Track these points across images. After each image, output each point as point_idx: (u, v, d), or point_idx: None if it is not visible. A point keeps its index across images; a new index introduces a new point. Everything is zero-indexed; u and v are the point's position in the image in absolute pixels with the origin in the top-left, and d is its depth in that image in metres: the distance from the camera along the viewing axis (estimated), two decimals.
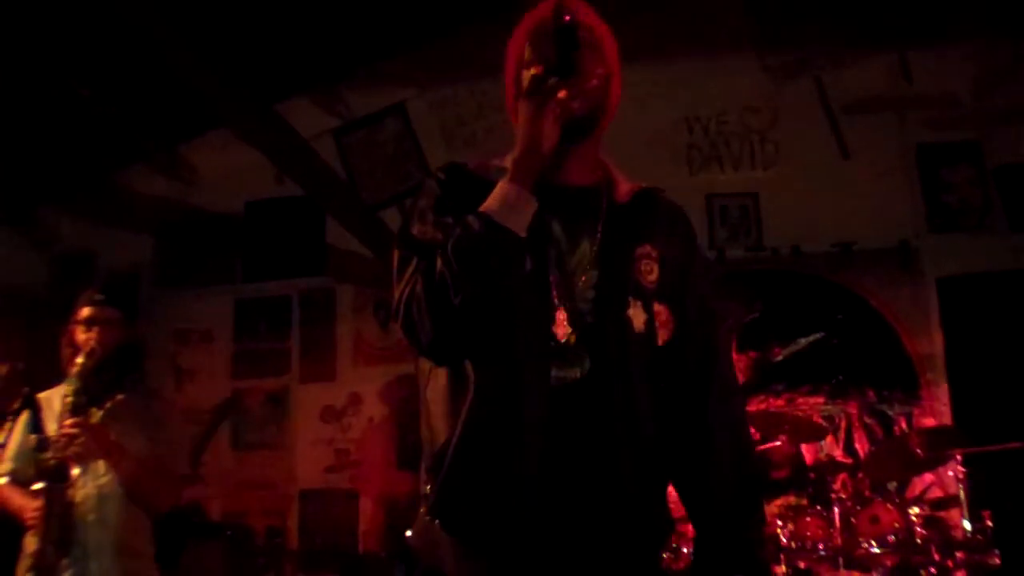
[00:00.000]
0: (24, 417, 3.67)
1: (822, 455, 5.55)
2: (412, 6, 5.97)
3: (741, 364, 6.23)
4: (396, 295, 1.94)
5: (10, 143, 6.04)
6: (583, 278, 1.99)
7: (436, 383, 1.99)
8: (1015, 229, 6.15)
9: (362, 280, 6.77)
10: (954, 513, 5.05)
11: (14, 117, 5.82)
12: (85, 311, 3.68)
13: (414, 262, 1.93)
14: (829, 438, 5.89)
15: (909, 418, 6.00)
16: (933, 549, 4.67)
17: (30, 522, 3.37)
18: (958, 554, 4.69)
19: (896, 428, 5.97)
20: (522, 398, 1.88)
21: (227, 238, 7.03)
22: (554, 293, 1.95)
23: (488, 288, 1.83)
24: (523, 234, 1.85)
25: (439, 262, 1.85)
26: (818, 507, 5.02)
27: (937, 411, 5.96)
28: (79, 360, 3.53)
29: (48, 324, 4.20)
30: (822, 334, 6.20)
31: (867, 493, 5.15)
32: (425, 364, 2.02)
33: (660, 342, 2.04)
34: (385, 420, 6.64)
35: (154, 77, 5.61)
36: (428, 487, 1.95)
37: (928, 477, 5.67)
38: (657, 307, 2.03)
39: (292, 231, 6.90)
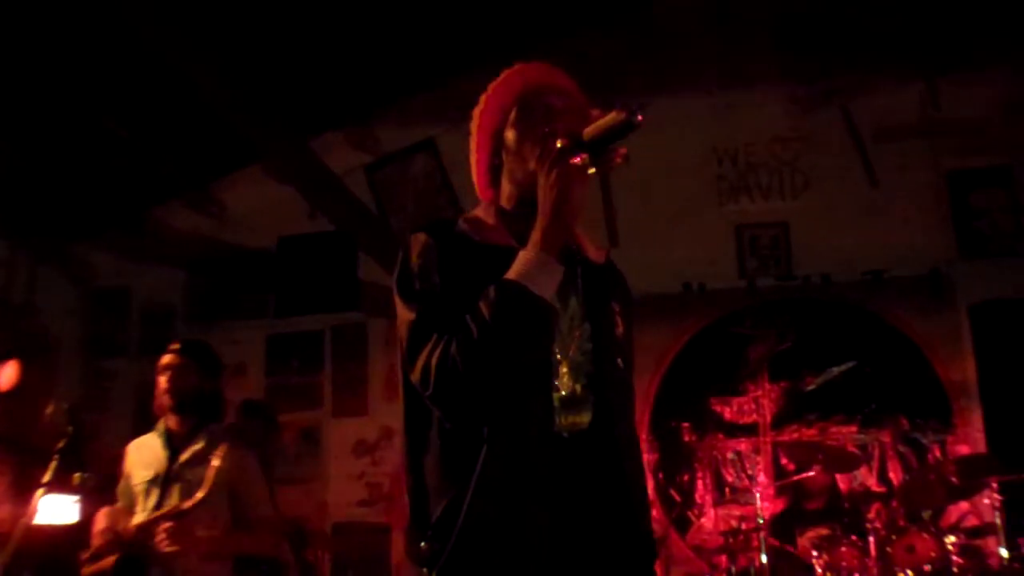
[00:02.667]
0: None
1: (856, 484, 5.54)
2: (442, 42, 6.04)
3: (773, 394, 6.22)
4: (421, 358, 1.94)
5: (46, 179, 6.14)
6: (577, 333, 2.06)
7: (431, 443, 2.00)
8: None
9: (394, 314, 6.79)
10: (990, 541, 5.04)
11: (50, 153, 5.92)
12: (162, 359, 3.99)
13: (432, 323, 1.96)
14: (863, 467, 5.87)
15: (943, 446, 5.96)
16: None
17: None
18: None
19: (930, 456, 5.93)
20: (532, 452, 1.91)
21: (260, 273, 7.09)
22: (555, 348, 2.01)
23: (524, 355, 1.89)
24: (554, 302, 1.92)
25: (475, 329, 1.87)
26: (853, 537, 5.01)
27: (971, 438, 5.92)
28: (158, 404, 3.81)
29: (83, 360, 4.31)
30: (854, 363, 6.17)
31: (902, 522, 5.11)
32: (413, 423, 2.04)
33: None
34: None
35: (189, 114, 5.74)
36: (425, 544, 1.96)
37: (964, 505, 5.61)
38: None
39: (324, 266, 6.94)
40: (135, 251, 6.99)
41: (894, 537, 4.89)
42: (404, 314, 2.03)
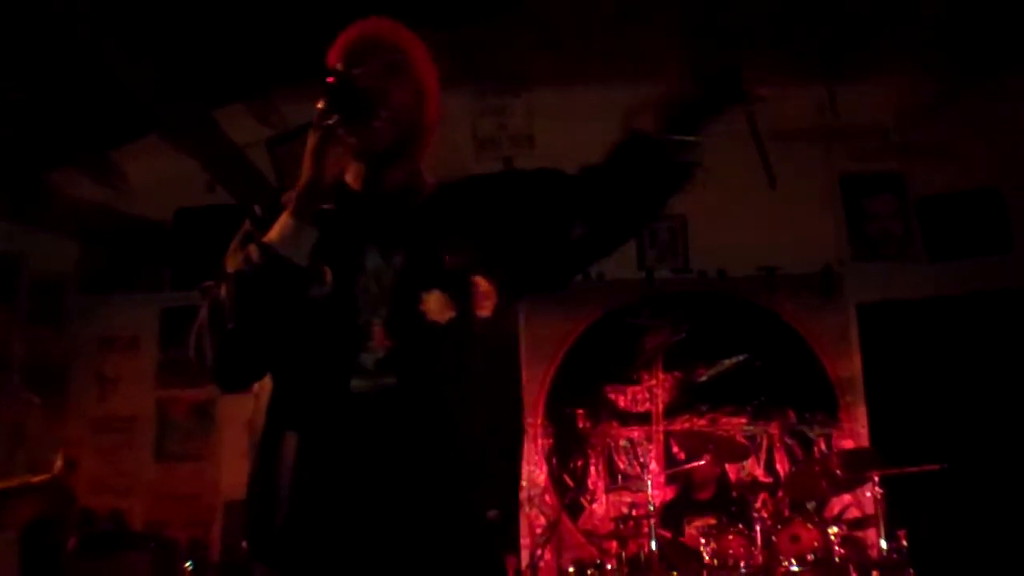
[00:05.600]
0: None
1: (744, 474, 5.66)
2: (350, 17, 5.99)
3: (667, 384, 6.32)
4: (191, 331, 1.96)
5: None
6: (382, 286, 1.98)
7: (257, 407, 1.99)
8: (934, 259, 6.36)
9: None
10: (871, 533, 5.18)
11: None
12: None
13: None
14: (751, 458, 6.02)
15: (828, 439, 6.15)
16: (851, 568, 4.78)
17: None
18: (874, 573, 4.83)
19: (816, 449, 6.11)
20: (328, 417, 1.89)
21: (156, 246, 6.95)
22: (360, 308, 1.94)
23: (267, 315, 1.88)
24: (304, 262, 1.88)
25: (222, 291, 1.90)
26: (740, 526, 5.10)
27: (856, 433, 6.11)
28: None
29: None
30: (745, 356, 6.30)
31: (787, 512, 5.25)
32: (255, 386, 2.03)
33: (481, 315, 2.00)
34: None
35: (88, 79, 5.57)
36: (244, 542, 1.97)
37: (846, 498, 5.79)
38: (476, 281, 1.99)
39: (223, 240, 6.81)
40: (27, 218, 6.77)
41: (779, 527, 5.00)
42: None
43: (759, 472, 6.06)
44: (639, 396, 6.39)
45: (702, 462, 5.47)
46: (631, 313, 6.50)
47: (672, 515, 5.78)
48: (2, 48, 5.39)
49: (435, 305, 1.96)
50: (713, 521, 5.33)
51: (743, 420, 6.25)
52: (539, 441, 6.38)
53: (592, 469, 6.35)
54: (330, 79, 1.88)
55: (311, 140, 1.90)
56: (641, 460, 6.25)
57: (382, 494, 1.85)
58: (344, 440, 1.88)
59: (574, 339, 6.54)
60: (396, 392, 1.89)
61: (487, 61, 6.83)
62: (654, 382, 6.27)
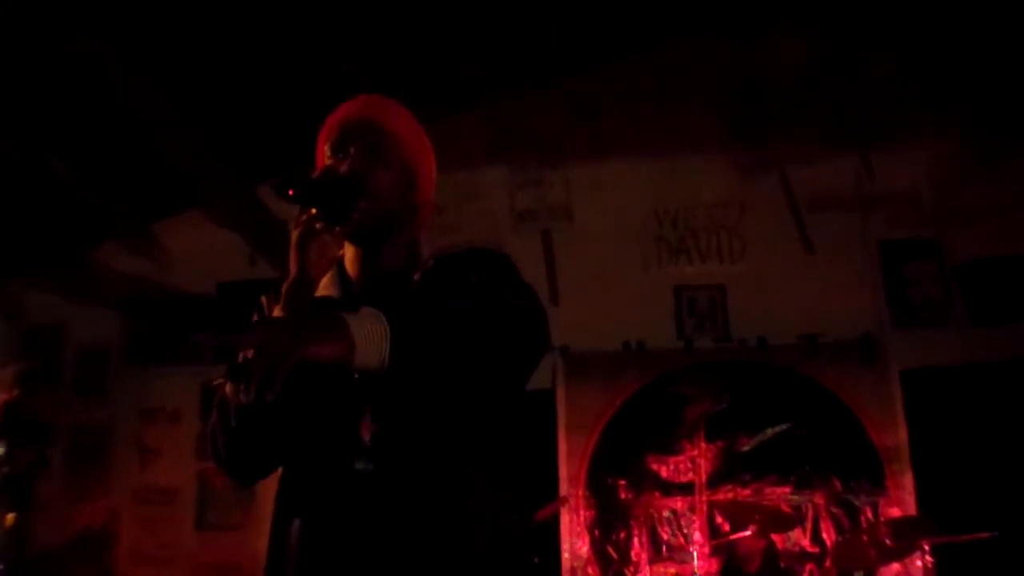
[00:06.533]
0: None
1: (790, 544, 5.59)
2: (390, 95, 6.09)
3: (709, 454, 6.27)
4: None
5: None
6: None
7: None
8: (976, 324, 6.31)
9: None
10: None
11: None
12: None
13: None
14: (797, 528, 5.94)
15: (875, 508, 6.06)
16: None
17: None
18: None
19: (863, 518, 6.02)
20: (323, 497, 1.91)
21: (197, 318, 7.01)
22: (359, 395, 1.93)
23: (267, 411, 1.84)
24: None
25: (227, 388, 1.92)
26: None
27: (902, 501, 6.02)
28: None
29: None
30: (788, 424, 6.25)
31: None
32: None
33: None
34: None
35: (134, 155, 5.68)
36: None
37: (896, 567, 5.69)
38: None
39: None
40: (71, 290, 6.86)
41: None
42: None
43: (805, 542, 5.98)
44: (682, 466, 6.34)
45: (748, 532, 5.42)
46: (671, 382, 6.47)
47: None
48: (48, 120, 5.51)
49: None
50: None
51: (787, 489, 6.17)
52: (581, 513, 6.33)
53: (635, 541, 6.28)
54: (290, 191, 1.88)
55: (292, 236, 1.91)
56: (685, 531, 6.18)
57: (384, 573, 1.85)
58: (346, 520, 1.88)
59: (614, 409, 6.51)
60: (389, 474, 1.88)
61: (524, 135, 6.93)
62: (696, 452, 6.22)
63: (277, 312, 1.91)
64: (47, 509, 4.23)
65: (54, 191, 5.99)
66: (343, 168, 1.99)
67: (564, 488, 6.31)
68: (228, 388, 1.92)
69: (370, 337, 1.64)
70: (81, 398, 6.81)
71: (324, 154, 2.12)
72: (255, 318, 2.08)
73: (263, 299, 2.12)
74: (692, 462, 6.27)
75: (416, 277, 2.05)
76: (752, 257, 6.77)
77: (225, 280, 7.04)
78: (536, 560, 1.92)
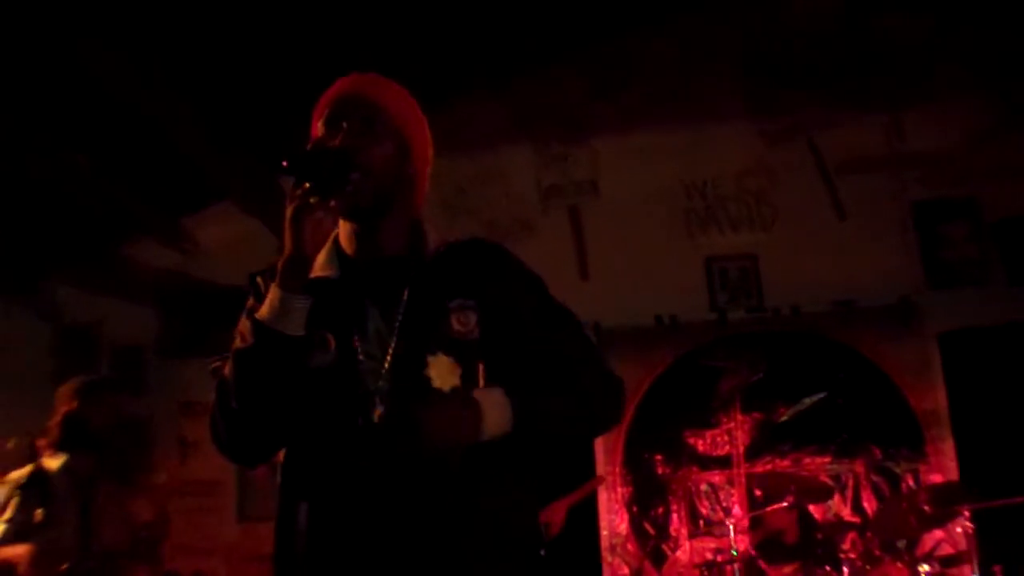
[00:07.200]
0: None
1: (830, 515, 5.54)
2: (407, 80, 6.07)
3: (746, 426, 6.22)
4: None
5: (15, 215, 6.10)
6: (385, 351, 1.97)
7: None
8: (1013, 283, 6.19)
9: None
10: (965, 570, 5.04)
11: (19, 189, 5.88)
12: None
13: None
14: (836, 497, 5.89)
15: (916, 475, 5.99)
16: None
17: None
18: None
19: (903, 485, 5.95)
20: (329, 481, 1.91)
21: (231, 309, 7.04)
22: (363, 377, 1.94)
23: (268, 391, 1.88)
24: (299, 332, 1.87)
25: (227, 370, 1.91)
26: (827, 568, 4.99)
27: (944, 467, 5.95)
28: None
29: (52, 397, 4.30)
30: (826, 393, 6.16)
31: (877, 552, 5.09)
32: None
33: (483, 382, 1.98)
34: None
35: (159, 151, 5.71)
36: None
37: (938, 534, 5.62)
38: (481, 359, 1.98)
39: None
40: (105, 287, 6.92)
41: (868, 567, 4.89)
42: None
43: (846, 512, 5.93)
44: (718, 439, 6.30)
45: (785, 504, 5.37)
46: (705, 355, 6.40)
47: (757, 559, 5.67)
48: (74, 120, 5.55)
49: (441, 370, 1.94)
50: (800, 563, 5.22)
51: (827, 459, 6.12)
52: (619, 489, 6.32)
53: (674, 516, 6.26)
54: (284, 163, 1.86)
55: (287, 211, 1.88)
56: (723, 505, 6.15)
57: (395, 558, 1.86)
58: (354, 505, 1.89)
59: (649, 384, 6.47)
60: (400, 457, 1.88)
61: (547, 111, 6.88)
62: (733, 424, 6.16)
63: (274, 290, 1.88)
64: (106, 511, 4.29)
65: (83, 190, 6.04)
66: (335, 142, 1.97)
67: (601, 466, 6.29)
68: (227, 368, 1.91)
69: (499, 425, 1.88)
70: (120, 395, 6.89)
71: (319, 131, 2.10)
72: (250, 302, 2.06)
73: (258, 279, 2.11)
74: (729, 435, 6.23)
75: (423, 261, 2.05)
76: (783, 224, 6.68)
77: (256, 270, 7.05)
78: (543, 553, 1.89)
